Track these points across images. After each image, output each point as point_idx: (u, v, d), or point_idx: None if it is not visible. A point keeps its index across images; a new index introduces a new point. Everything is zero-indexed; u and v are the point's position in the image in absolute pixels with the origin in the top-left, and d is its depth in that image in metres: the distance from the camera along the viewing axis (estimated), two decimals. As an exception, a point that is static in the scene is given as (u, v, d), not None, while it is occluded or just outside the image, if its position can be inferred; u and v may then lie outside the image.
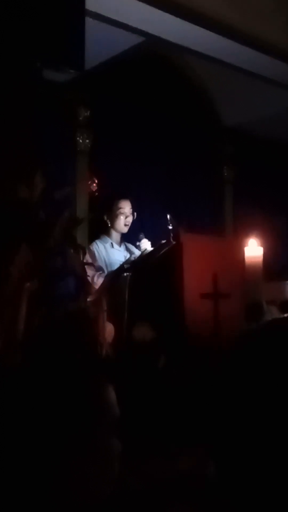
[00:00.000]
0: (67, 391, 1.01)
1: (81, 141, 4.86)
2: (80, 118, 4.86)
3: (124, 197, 4.29)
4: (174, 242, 3.36)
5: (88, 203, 4.83)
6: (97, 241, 4.24)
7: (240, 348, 0.82)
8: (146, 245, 4.03)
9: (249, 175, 5.99)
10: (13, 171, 2.35)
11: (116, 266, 3.92)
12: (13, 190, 2.24)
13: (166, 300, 3.23)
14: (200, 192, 5.81)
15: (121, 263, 3.89)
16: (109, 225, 4.27)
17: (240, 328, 2.71)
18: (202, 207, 5.84)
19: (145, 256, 3.78)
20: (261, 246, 2.75)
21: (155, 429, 1.51)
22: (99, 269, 4.02)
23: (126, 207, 4.25)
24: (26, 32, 2.69)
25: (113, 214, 4.25)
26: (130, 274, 3.51)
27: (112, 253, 4.20)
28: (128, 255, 4.16)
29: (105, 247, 4.21)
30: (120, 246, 4.28)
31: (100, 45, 3.88)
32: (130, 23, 3.80)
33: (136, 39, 4.14)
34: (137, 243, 4.14)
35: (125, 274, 3.56)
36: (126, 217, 4.24)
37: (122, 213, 4.22)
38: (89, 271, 3.64)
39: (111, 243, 4.24)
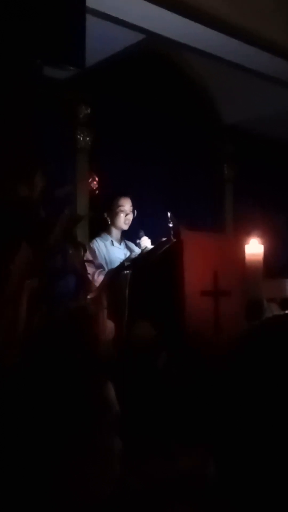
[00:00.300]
0: (67, 390, 1.01)
1: (81, 139, 4.85)
2: (81, 116, 4.85)
3: (124, 194, 4.29)
4: (174, 240, 3.36)
5: (89, 201, 4.83)
6: (97, 239, 4.24)
7: (240, 346, 0.82)
8: (146, 242, 4.03)
9: (249, 174, 5.99)
10: (13, 170, 2.35)
11: (116, 264, 3.92)
12: (14, 189, 2.24)
13: (167, 298, 3.23)
14: (201, 190, 5.81)
15: (121, 261, 3.89)
16: (110, 222, 4.27)
17: (240, 326, 2.72)
18: (203, 206, 5.84)
19: (145, 254, 3.78)
20: (262, 244, 2.75)
21: (155, 429, 1.51)
22: (99, 266, 4.02)
23: (126, 205, 4.25)
24: (27, 30, 2.69)
25: (113, 212, 4.25)
26: (131, 271, 3.51)
27: (112, 250, 4.20)
28: (128, 253, 4.16)
29: (105, 245, 4.21)
30: (120, 244, 4.29)
31: (100, 42, 3.87)
32: (130, 21, 3.79)
33: (136, 37, 4.13)
34: (137, 241, 4.14)
35: (125, 271, 3.57)
36: (126, 214, 4.24)
37: (122, 211, 4.22)
38: (89, 269, 3.64)
39: (111, 240, 4.24)
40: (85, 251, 3.52)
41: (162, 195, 5.36)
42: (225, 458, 0.80)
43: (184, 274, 3.22)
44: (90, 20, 3.15)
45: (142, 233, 4.12)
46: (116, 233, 4.29)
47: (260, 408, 0.75)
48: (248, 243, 2.75)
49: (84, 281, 2.58)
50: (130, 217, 4.26)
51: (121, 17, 3.73)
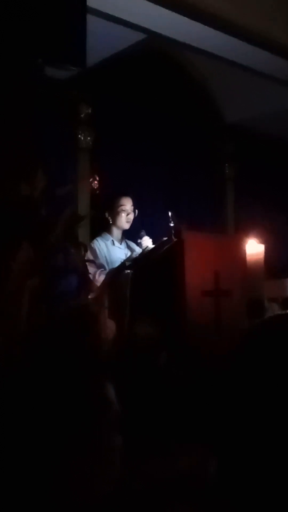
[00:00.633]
0: (68, 389, 1.01)
1: (82, 138, 4.85)
2: (82, 116, 4.85)
3: (126, 194, 4.29)
4: (175, 240, 3.36)
5: (90, 201, 4.83)
6: (98, 239, 4.23)
7: (241, 345, 0.82)
8: (147, 242, 4.03)
9: (250, 173, 5.99)
10: (15, 170, 2.35)
11: (117, 264, 3.91)
12: (15, 188, 2.24)
13: (168, 298, 3.23)
14: (201, 190, 5.80)
15: (122, 260, 3.89)
16: (111, 222, 4.26)
17: (241, 325, 2.72)
18: (204, 205, 5.83)
19: (146, 254, 3.78)
20: (263, 243, 2.76)
21: (156, 428, 1.52)
22: (100, 266, 4.02)
23: (127, 204, 4.25)
24: (28, 30, 2.69)
25: (114, 211, 4.24)
26: (132, 271, 3.51)
27: (113, 250, 4.20)
28: (129, 253, 4.16)
29: (106, 245, 4.21)
30: (121, 243, 4.28)
31: (101, 42, 3.88)
32: (131, 20, 3.79)
33: (137, 36, 4.13)
34: (139, 241, 4.14)
35: (126, 271, 3.56)
36: (128, 214, 4.24)
37: (123, 210, 4.22)
38: (91, 269, 3.64)
39: (112, 240, 4.24)
40: (86, 250, 3.52)
41: (163, 194, 5.36)
42: (226, 458, 0.80)
43: (185, 273, 3.22)
44: (91, 20, 3.15)
45: (143, 232, 4.12)
46: (117, 232, 4.28)
47: (261, 408, 0.75)
48: (248, 242, 2.75)
49: (85, 280, 2.58)
50: (131, 216, 4.26)
51: (122, 17, 3.73)
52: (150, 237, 4.05)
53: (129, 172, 5.08)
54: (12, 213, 2.11)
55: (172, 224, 3.46)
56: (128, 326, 3.11)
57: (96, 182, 4.93)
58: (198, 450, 1.01)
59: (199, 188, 5.78)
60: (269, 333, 0.81)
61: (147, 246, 3.96)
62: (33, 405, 0.98)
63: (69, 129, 4.79)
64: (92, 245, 4.16)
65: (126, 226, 4.26)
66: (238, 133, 5.88)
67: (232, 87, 5.20)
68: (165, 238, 3.53)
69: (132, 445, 0.99)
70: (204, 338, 3.06)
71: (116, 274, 3.68)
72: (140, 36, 4.11)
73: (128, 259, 3.86)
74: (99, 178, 4.96)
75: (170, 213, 3.47)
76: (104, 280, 3.76)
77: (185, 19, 3.78)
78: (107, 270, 3.97)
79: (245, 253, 2.74)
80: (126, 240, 4.34)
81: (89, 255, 3.90)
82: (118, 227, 4.27)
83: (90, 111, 4.88)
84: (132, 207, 4.26)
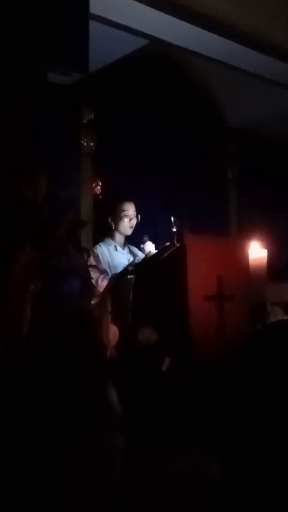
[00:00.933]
0: (69, 391, 1.01)
1: (85, 143, 4.86)
2: (84, 121, 4.86)
3: (129, 199, 4.29)
4: (178, 244, 3.36)
5: (93, 206, 4.83)
6: (101, 244, 4.24)
7: (244, 350, 0.82)
8: (150, 247, 4.03)
9: (252, 175, 5.98)
10: (18, 172, 2.36)
11: (119, 269, 3.92)
12: (17, 191, 2.25)
13: (170, 303, 3.23)
14: (204, 192, 5.80)
15: (124, 265, 3.89)
16: (113, 227, 4.27)
17: (244, 330, 2.71)
18: (206, 208, 5.82)
19: (149, 259, 3.78)
20: (265, 247, 2.75)
21: (157, 430, 1.51)
22: (103, 271, 4.03)
23: (130, 210, 4.25)
24: (30, 35, 2.70)
25: (117, 217, 4.25)
26: (134, 276, 3.51)
27: (115, 256, 4.20)
28: (131, 258, 4.16)
29: (108, 250, 4.21)
30: (123, 249, 4.29)
31: (104, 47, 3.89)
32: (134, 26, 3.81)
33: (140, 42, 4.15)
34: (141, 246, 4.14)
35: (129, 276, 3.57)
36: (130, 219, 4.24)
37: (126, 216, 4.23)
38: (94, 274, 3.64)
39: (115, 246, 4.24)
40: (89, 256, 3.53)
41: (166, 197, 5.36)
42: (226, 458, 0.80)
43: (188, 278, 3.22)
44: (94, 26, 3.16)
45: (146, 237, 4.12)
46: (119, 238, 4.29)
47: (263, 412, 0.75)
48: (251, 246, 2.74)
49: (88, 285, 2.58)
50: (134, 221, 4.26)
51: (124, 23, 3.74)
52: (152, 242, 4.05)
53: (131, 176, 5.08)
54: (14, 215, 2.12)
55: (174, 229, 3.46)
56: (131, 331, 3.10)
57: (98, 187, 4.93)
58: (198, 450, 1.01)
59: (201, 190, 5.78)
60: (271, 339, 0.81)
61: (149, 251, 3.96)
62: (35, 406, 0.98)
63: (72, 134, 4.80)
64: (95, 250, 4.16)
65: (129, 231, 4.26)
66: (240, 135, 5.88)
67: (234, 89, 5.22)
68: (167, 243, 3.53)
69: (132, 445, 0.99)
70: (207, 343, 3.06)
71: (118, 279, 3.68)
72: (143, 41, 4.13)
73: (130, 264, 3.87)
74: (101, 183, 4.96)
75: (172, 218, 3.48)
76: (106, 285, 3.76)
77: (187, 24, 3.79)
78: (110, 275, 3.97)
79: (248, 257, 2.73)
80: (129, 245, 4.34)
81: (91, 261, 3.90)
82: (120, 233, 4.27)
83: (92, 116, 4.89)
84: (135, 213, 4.27)
